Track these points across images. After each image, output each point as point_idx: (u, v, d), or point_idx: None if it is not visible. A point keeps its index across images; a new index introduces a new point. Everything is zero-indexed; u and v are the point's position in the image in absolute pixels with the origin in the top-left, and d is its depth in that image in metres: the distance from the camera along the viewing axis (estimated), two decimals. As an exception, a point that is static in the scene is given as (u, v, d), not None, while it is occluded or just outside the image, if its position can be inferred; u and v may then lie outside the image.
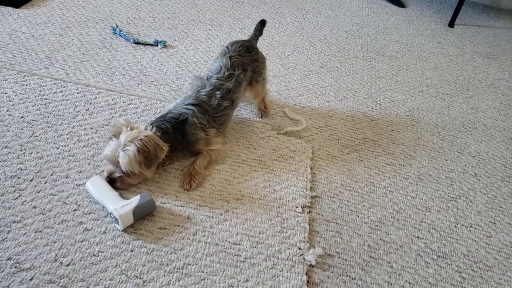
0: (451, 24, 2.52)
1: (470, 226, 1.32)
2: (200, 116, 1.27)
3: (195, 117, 1.26)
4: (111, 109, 1.46)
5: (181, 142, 1.25)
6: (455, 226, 1.31)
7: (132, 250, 1.05)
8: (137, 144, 1.12)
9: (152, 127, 1.20)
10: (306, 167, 1.38)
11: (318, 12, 2.41)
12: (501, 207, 1.41)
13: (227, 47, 1.44)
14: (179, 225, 1.14)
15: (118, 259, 1.02)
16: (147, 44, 1.81)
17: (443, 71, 2.09)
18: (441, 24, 2.53)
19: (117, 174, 1.16)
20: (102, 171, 1.23)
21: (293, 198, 1.27)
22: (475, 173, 1.52)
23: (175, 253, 1.07)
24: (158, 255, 1.06)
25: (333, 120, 1.62)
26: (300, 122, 1.56)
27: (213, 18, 2.12)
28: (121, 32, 1.82)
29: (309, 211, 1.25)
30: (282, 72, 1.83)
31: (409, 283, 1.12)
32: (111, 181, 1.16)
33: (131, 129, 1.16)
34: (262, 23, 1.59)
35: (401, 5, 2.66)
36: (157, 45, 1.81)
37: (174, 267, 1.04)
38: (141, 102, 1.51)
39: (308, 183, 1.33)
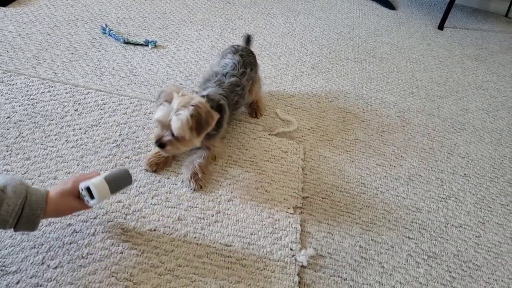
0: (441, 27, 2.55)
1: (460, 226, 1.33)
2: (228, 109, 1.30)
3: (227, 108, 1.29)
4: (101, 109, 1.44)
5: (216, 125, 1.24)
6: (445, 227, 1.32)
7: (122, 252, 1.04)
8: (190, 109, 1.12)
9: (204, 97, 1.20)
10: (298, 168, 1.38)
11: (309, 13, 2.41)
12: (489, 207, 1.42)
13: (234, 47, 1.47)
14: (169, 227, 1.12)
15: (107, 261, 1.01)
16: (137, 44, 1.79)
17: (433, 73, 2.11)
18: (430, 27, 2.56)
19: (166, 138, 1.15)
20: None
21: (284, 199, 1.27)
22: (465, 174, 1.53)
23: (165, 255, 1.06)
24: (148, 257, 1.04)
25: (324, 121, 1.63)
26: (291, 123, 1.56)
27: (204, 19, 2.12)
28: (110, 32, 1.80)
29: (301, 212, 1.25)
30: (273, 73, 1.83)
31: (400, 283, 1.13)
32: (161, 145, 1.16)
33: (183, 95, 1.16)
34: (248, 38, 1.66)
35: (392, 7, 2.69)
36: (148, 45, 1.79)
37: (164, 269, 1.03)
38: (131, 103, 1.49)
39: (300, 184, 1.32)
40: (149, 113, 1.46)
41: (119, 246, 1.05)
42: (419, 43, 2.35)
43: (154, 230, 1.11)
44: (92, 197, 0.94)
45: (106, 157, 1.27)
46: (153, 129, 1.40)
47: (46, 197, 0.89)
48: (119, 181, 1.00)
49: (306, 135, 1.54)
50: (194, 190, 1.22)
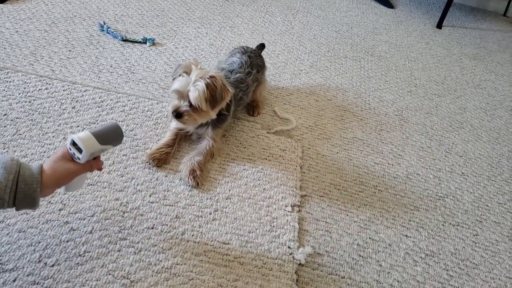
0: (439, 26, 2.55)
1: (457, 225, 1.33)
2: (234, 104, 1.35)
3: (232, 102, 1.33)
4: (98, 107, 1.43)
5: (222, 114, 1.29)
6: (442, 225, 1.32)
7: (119, 250, 1.03)
8: (207, 80, 1.17)
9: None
10: (296, 166, 1.38)
11: (308, 11, 2.41)
12: (487, 205, 1.43)
13: (244, 48, 1.52)
14: (167, 225, 1.12)
15: (104, 259, 1.01)
16: (135, 42, 1.79)
17: (431, 72, 2.11)
18: (429, 25, 2.56)
19: (184, 108, 1.21)
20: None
21: (282, 197, 1.26)
22: (462, 173, 1.54)
23: (163, 253, 1.05)
24: (146, 254, 1.04)
25: (322, 120, 1.63)
26: (290, 121, 1.56)
27: (202, 16, 2.11)
28: (108, 29, 1.79)
29: (299, 210, 1.24)
30: (272, 71, 1.83)
31: (397, 281, 1.13)
32: (178, 115, 1.21)
33: (201, 68, 1.22)
34: (262, 46, 1.69)
35: (390, 6, 2.68)
36: (146, 43, 1.79)
37: (162, 267, 1.02)
38: (129, 100, 1.48)
39: (298, 182, 1.32)
40: (147, 111, 1.46)
41: (116, 244, 1.04)
42: (418, 42, 2.35)
43: (152, 228, 1.10)
44: (80, 151, 0.89)
45: (103, 155, 1.26)
46: (151, 127, 1.40)
47: (41, 170, 0.86)
48: (106, 133, 0.94)
49: (305, 133, 1.54)
50: (192, 187, 1.23)
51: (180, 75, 1.22)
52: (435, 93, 1.95)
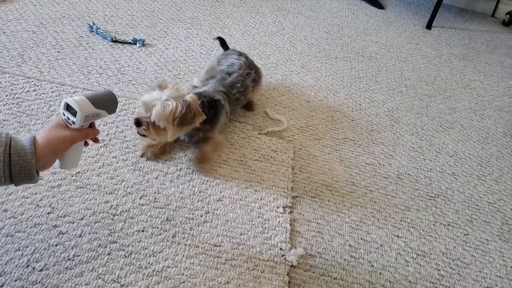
0: (429, 26, 2.57)
1: (448, 225, 1.34)
2: (227, 104, 1.35)
3: (226, 103, 1.34)
4: (88, 108, 1.41)
5: (211, 120, 1.29)
6: (433, 225, 1.33)
7: (109, 254, 1.02)
8: (181, 103, 1.15)
9: (196, 95, 1.23)
10: (288, 167, 1.38)
11: (298, 12, 2.41)
12: (477, 205, 1.44)
13: (238, 51, 1.55)
14: (158, 227, 1.11)
15: (94, 263, 0.99)
16: (125, 43, 1.77)
17: (421, 72, 2.12)
18: (419, 26, 2.58)
19: (145, 119, 1.17)
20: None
21: (274, 199, 1.26)
22: (453, 172, 1.55)
23: (154, 256, 1.04)
24: (136, 258, 1.03)
25: (314, 120, 1.63)
26: (281, 122, 1.56)
27: (193, 17, 2.10)
28: (98, 30, 1.77)
29: (291, 211, 1.24)
30: (263, 72, 1.82)
31: (389, 281, 1.13)
32: (138, 122, 1.18)
33: (176, 89, 1.20)
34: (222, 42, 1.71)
35: (380, 6, 2.70)
36: (136, 44, 1.77)
37: (153, 270, 1.01)
38: (118, 102, 1.46)
39: (290, 183, 1.32)
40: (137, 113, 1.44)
41: (106, 247, 1.03)
42: (408, 43, 2.37)
43: (142, 231, 1.09)
44: (74, 114, 0.84)
45: (93, 157, 1.25)
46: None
47: (33, 141, 0.81)
48: (101, 98, 0.90)
49: (296, 134, 1.54)
50: (199, 168, 1.29)
51: (153, 89, 1.20)
52: (425, 93, 1.97)
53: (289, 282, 1.06)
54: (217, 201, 1.22)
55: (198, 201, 1.20)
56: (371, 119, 1.71)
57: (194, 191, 1.23)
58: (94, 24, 1.79)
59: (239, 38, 2.01)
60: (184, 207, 1.18)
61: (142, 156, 1.28)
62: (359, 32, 2.36)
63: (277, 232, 1.17)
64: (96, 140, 0.95)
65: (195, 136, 1.31)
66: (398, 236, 1.26)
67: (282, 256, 1.11)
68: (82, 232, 1.05)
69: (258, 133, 1.48)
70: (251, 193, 1.26)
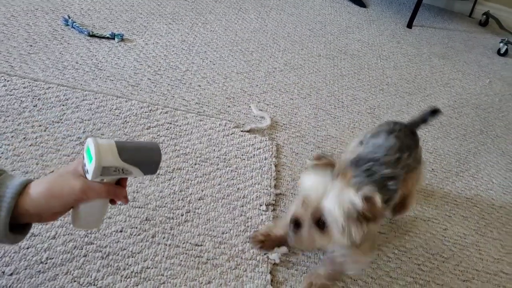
0: (409, 25, 2.61)
1: (428, 220, 1.36)
2: None
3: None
4: (63, 105, 1.36)
5: None
6: (414, 221, 1.34)
7: (86, 255, 0.98)
8: (362, 203, 0.80)
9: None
10: (271, 164, 1.36)
11: (281, 9, 2.40)
12: (455, 200, 1.46)
13: (389, 124, 1.18)
14: (137, 227, 1.08)
15: (69, 266, 0.95)
16: (103, 37, 1.71)
17: (402, 70, 2.15)
18: (400, 25, 2.61)
19: (305, 218, 0.85)
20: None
21: (257, 196, 1.24)
22: (432, 169, 1.57)
23: (132, 257, 1.01)
24: (114, 259, 0.99)
25: (297, 118, 1.62)
26: (264, 119, 1.54)
27: (174, 12, 2.06)
28: (74, 24, 1.71)
29: (274, 209, 1.23)
30: (246, 69, 1.80)
31: (371, 277, 1.13)
32: (297, 224, 0.86)
33: (345, 176, 0.84)
34: (434, 113, 1.32)
35: (363, 5, 2.72)
36: (114, 39, 1.72)
37: (131, 272, 0.98)
38: (95, 98, 1.42)
39: (273, 181, 1.31)
40: (115, 109, 1.40)
41: (82, 249, 0.99)
42: (389, 41, 2.39)
43: (121, 231, 1.06)
44: (90, 159, 0.63)
45: (68, 155, 1.20)
46: (119, 126, 1.34)
47: (20, 189, 0.62)
48: (136, 149, 0.69)
49: (279, 131, 1.53)
50: None
51: (313, 167, 0.85)
52: (406, 91, 1.99)
53: (271, 281, 1.05)
54: (198, 199, 1.19)
55: (178, 200, 1.17)
56: (353, 117, 1.71)
57: (174, 190, 1.20)
58: (69, 18, 1.73)
59: (222, 34, 1.99)
60: (164, 206, 1.15)
61: (254, 243, 1.08)
62: (341, 30, 2.37)
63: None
64: (125, 200, 0.71)
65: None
66: (379, 232, 1.26)
67: (265, 254, 1.10)
68: (56, 233, 1.00)
69: (241, 130, 1.46)
70: (233, 191, 1.24)
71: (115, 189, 0.68)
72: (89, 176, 0.64)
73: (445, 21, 2.85)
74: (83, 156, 0.65)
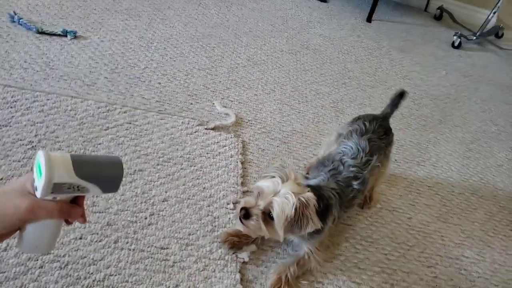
0: (369, 19, 2.66)
1: (393, 210, 1.38)
2: (337, 209, 1.07)
3: (336, 209, 1.06)
4: (11, 107, 1.27)
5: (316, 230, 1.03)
6: (380, 211, 1.36)
7: (42, 267, 0.92)
8: (300, 200, 0.93)
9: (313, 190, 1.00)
10: (237, 162, 1.34)
11: (242, 4, 2.37)
12: (418, 190, 1.50)
13: (364, 123, 1.22)
14: (97, 233, 1.02)
15: (23, 279, 0.89)
16: (54, 34, 1.62)
17: (363, 64, 2.18)
18: (360, 19, 2.65)
19: (256, 211, 0.95)
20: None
21: (224, 195, 1.22)
22: (395, 159, 1.60)
23: (94, 265, 0.96)
24: (74, 268, 0.94)
25: (262, 114, 1.60)
26: (229, 116, 1.51)
27: (130, 8, 1.98)
28: (20, 20, 1.60)
29: (241, 207, 1.21)
30: (208, 65, 1.76)
31: (340, 270, 1.14)
32: (247, 215, 0.95)
33: (298, 183, 0.98)
34: (401, 95, 1.37)
35: (323, 0, 2.74)
36: (66, 36, 1.63)
37: (93, 280, 0.93)
38: (48, 99, 1.33)
39: (239, 178, 1.28)
40: (70, 110, 1.32)
41: (37, 260, 0.93)
42: (350, 35, 2.42)
43: (80, 238, 1.00)
44: (41, 174, 0.55)
45: (19, 161, 1.12)
46: (75, 127, 1.27)
47: None
48: (95, 164, 0.61)
49: (244, 128, 1.51)
50: None
51: (272, 176, 0.98)
52: (367, 84, 2.02)
53: (241, 279, 1.03)
54: (162, 201, 1.15)
55: (141, 202, 1.13)
56: (317, 111, 1.72)
57: (136, 193, 1.15)
58: (15, 14, 1.62)
59: (181, 30, 1.93)
60: (126, 210, 1.10)
61: (224, 243, 1.08)
62: (303, 25, 2.37)
63: (228, 229, 1.12)
64: (82, 220, 0.64)
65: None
66: (347, 224, 1.28)
67: (234, 253, 1.08)
68: (8, 245, 0.93)
69: (205, 128, 1.43)
70: (199, 191, 1.21)
71: (69, 208, 0.60)
72: (38, 194, 0.56)
73: (403, 15, 2.94)
74: (33, 171, 0.57)
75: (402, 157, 1.63)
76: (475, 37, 2.78)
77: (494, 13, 2.74)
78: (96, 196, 1.10)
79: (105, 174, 0.61)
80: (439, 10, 3.03)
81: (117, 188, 0.63)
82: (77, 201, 0.62)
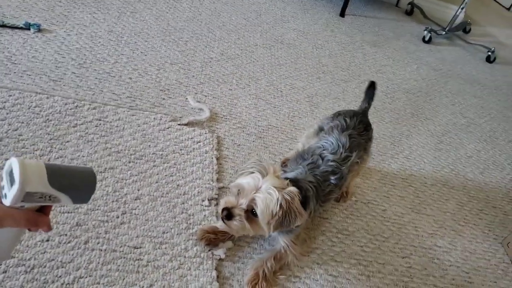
0: (342, 14, 2.68)
1: (368, 202, 1.40)
2: (314, 202, 1.06)
3: (313, 201, 1.05)
4: (-30, 104, 1.20)
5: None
6: (355, 204, 1.37)
7: (5, 271, 0.88)
8: (284, 196, 0.92)
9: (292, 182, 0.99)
10: (212, 158, 1.32)
11: (216, -2, 2.34)
12: (392, 182, 1.53)
13: (345, 120, 1.21)
14: (66, 235, 0.98)
15: (-15, 286, 0.84)
16: (16, 28, 1.54)
17: (337, 58, 2.20)
18: (333, 14, 2.67)
19: (238, 211, 0.94)
20: None
21: (199, 192, 1.19)
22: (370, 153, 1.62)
23: (62, 267, 0.92)
24: (40, 272, 0.90)
25: (237, 109, 1.58)
26: (203, 111, 1.48)
27: (98, 0, 1.91)
28: (-20, 12, 1.51)
29: (216, 204, 1.19)
30: (181, 59, 1.72)
31: (317, 263, 1.14)
32: (229, 215, 0.94)
33: (277, 176, 0.96)
34: (373, 86, 1.40)
35: (296, -5, 2.74)
36: (29, 29, 1.55)
37: (62, 284, 0.89)
38: (10, 96, 1.27)
39: (215, 175, 1.26)
40: (35, 107, 1.26)
41: (1, 265, 0.88)
42: (323, 30, 2.43)
43: (47, 240, 0.96)
44: (12, 184, 0.53)
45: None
46: (41, 125, 1.21)
47: None
48: (69, 174, 0.59)
49: (219, 123, 1.48)
50: None
51: (251, 172, 0.96)
52: (341, 78, 2.03)
53: (217, 277, 1.01)
54: (135, 199, 1.11)
55: (112, 201, 1.09)
56: (292, 106, 1.72)
57: (107, 191, 1.11)
58: (-26, 6, 1.53)
59: (153, 24, 1.88)
60: (97, 209, 1.06)
61: (201, 240, 1.06)
62: (277, 19, 2.36)
63: (203, 226, 1.10)
64: (47, 229, 0.60)
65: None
66: (323, 217, 1.28)
67: (209, 250, 1.06)
68: (-32, 250, 0.88)
69: (178, 124, 1.40)
70: (173, 189, 1.18)
71: (36, 217, 0.57)
72: (6, 202, 0.54)
73: (375, 10, 2.98)
74: (2, 177, 0.55)
75: (376, 150, 1.65)
76: (444, 32, 2.85)
77: (462, 9, 2.81)
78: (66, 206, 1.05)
79: (79, 185, 0.60)
80: (410, 5, 3.09)
81: (89, 200, 0.62)
82: (43, 210, 0.60)
